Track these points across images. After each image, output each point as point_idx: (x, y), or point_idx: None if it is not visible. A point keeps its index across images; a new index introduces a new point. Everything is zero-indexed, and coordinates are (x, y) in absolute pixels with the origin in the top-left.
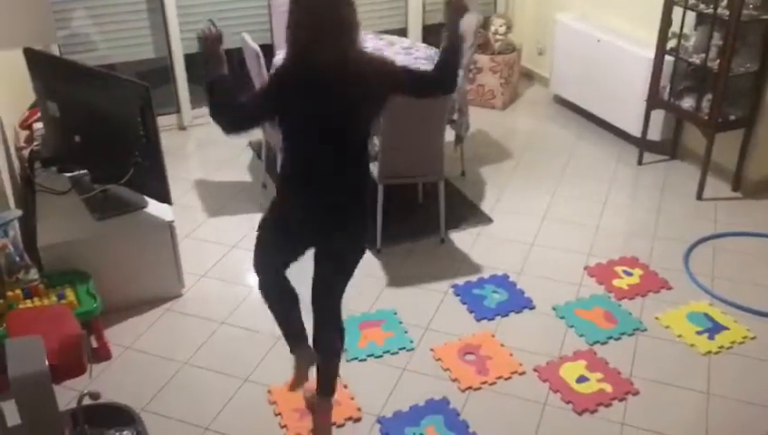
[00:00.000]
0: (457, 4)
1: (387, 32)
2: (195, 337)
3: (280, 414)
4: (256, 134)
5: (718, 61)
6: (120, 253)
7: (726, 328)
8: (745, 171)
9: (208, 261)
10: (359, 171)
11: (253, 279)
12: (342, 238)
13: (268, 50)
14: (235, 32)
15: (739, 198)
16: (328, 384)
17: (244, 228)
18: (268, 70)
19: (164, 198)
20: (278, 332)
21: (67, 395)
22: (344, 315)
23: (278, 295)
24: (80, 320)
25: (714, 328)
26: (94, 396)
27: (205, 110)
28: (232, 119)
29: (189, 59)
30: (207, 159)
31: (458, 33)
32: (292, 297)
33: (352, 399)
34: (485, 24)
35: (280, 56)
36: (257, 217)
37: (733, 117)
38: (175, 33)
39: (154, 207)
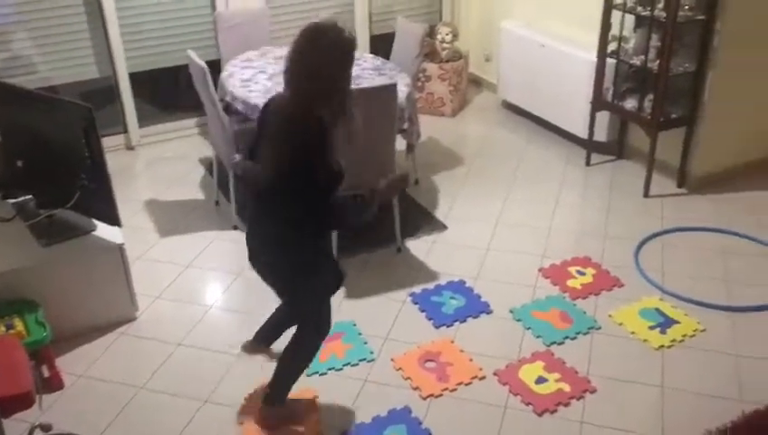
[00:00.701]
0: (397, 185)
1: None
2: (151, 360)
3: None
4: (206, 150)
5: (657, 62)
6: (70, 279)
7: (677, 322)
8: (689, 168)
9: (162, 282)
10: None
11: (209, 297)
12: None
13: (215, 65)
14: (180, 48)
15: (684, 194)
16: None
17: (198, 247)
18: (215, 85)
19: (113, 220)
20: (236, 351)
21: (18, 428)
22: None
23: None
24: (30, 350)
25: (665, 323)
26: (45, 428)
27: (154, 128)
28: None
29: (135, 78)
30: (157, 178)
31: (377, 200)
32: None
33: (316, 412)
34: (432, 33)
35: (228, 71)
36: (211, 235)
37: (674, 115)
38: (119, 51)
39: (103, 230)
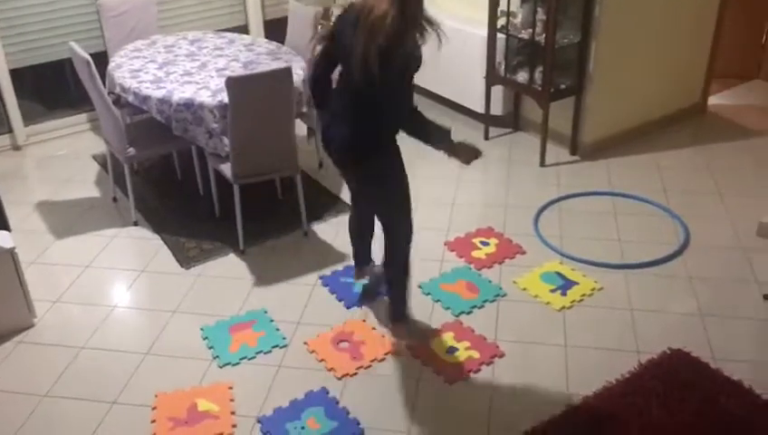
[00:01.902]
0: (468, 153)
1: (228, 30)
2: (54, 367)
3: (155, 421)
4: (100, 147)
5: (544, 35)
6: None
7: (576, 283)
8: (580, 136)
9: (61, 285)
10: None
11: (112, 297)
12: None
13: (102, 57)
14: (63, 41)
15: (577, 161)
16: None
17: (98, 246)
18: (102, 78)
19: (1, 224)
20: (146, 347)
21: None
22: (212, 321)
23: None
24: None
25: (565, 285)
26: None
27: (42, 126)
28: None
29: (16, 74)
30: (49, 177)
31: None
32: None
33: (232, 401)
34: (326, 15)
35: (116, 62)
36: (110, 233)
37: (563, 86)
38: None
39: None
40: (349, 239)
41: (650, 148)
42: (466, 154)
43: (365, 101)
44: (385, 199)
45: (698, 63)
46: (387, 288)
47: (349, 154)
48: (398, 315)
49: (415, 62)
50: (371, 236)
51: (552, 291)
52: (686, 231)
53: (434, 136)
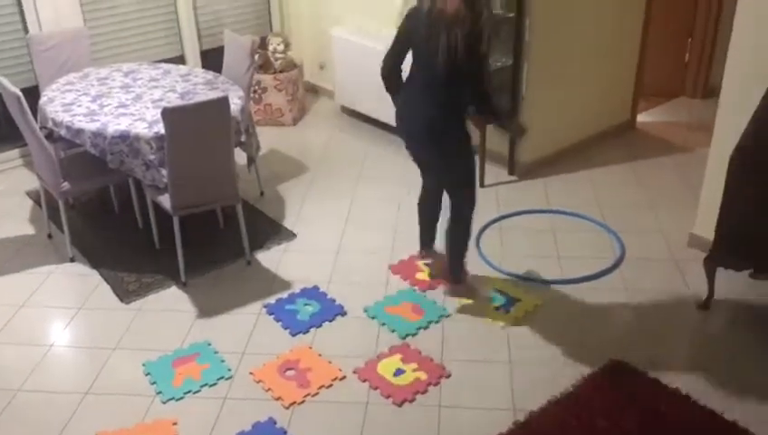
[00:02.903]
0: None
1: (164, 61)
2: None
3: None
4: (34, 182)
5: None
6: None
7: (519, 300)
8: (517, 156)
9: None
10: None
11: (50, 335)
12: None
13: (34, 92)
14: None
15: (515, 181)
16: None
17: (33, 284)
18: (33, 113)
19: None
20: (85, 386)
21: None
22: (154, 356)
23: None
24: None
25: (508, 302)
26: None
27: None
28: None
29: None
30: None
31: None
32: None
33: None
34: (263, 44)
35: (48, 96)
36: (46, 270)
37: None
38: None
39: None
40: (417, 223)
41: (584, 165)
42: (520, 130)
43: (442, 84)
44: (458, 170)
45: (626, 82)
46: (449, 252)
47: (430, 133)
48: (456, 277)
49: (486, 46)
50: (438, 219)
51: (496, 309)
52: (622, 245)
53: (499, 113)
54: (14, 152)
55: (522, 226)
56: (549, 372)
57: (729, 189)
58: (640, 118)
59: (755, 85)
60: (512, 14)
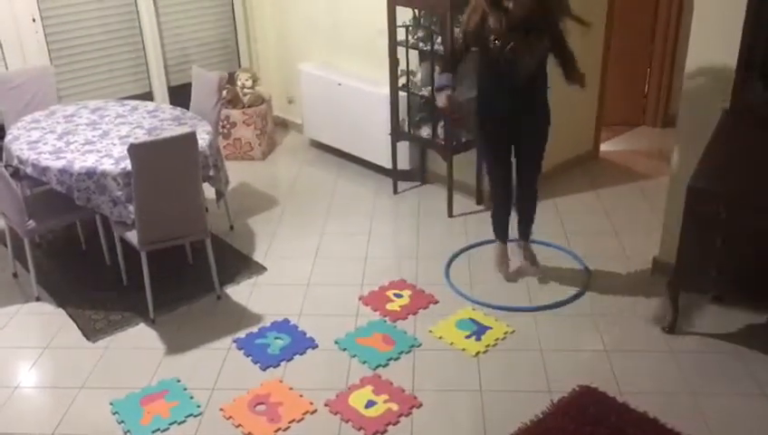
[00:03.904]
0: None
1: (131, 97)
2: None
3: None
4: None
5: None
6: None
7: (490, 328)
8: (483, 186)
9: None
10: None
11: (15, 377)
12: None
13: None
14: None
15: (483, 210)
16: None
17: None
18: None
19: None
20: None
21: None
22: (122, 395)
23: None
24: None
25: (479, 330)
26: None
27: None
28: None
29: None
30: None
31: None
32: None
33: None
34: (231, 80)
35: (13, 135)
36: (11, 310)
37: (465, 139)
38: None
39: None
40: (495, 223)
41: (550, 193)
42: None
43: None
44: (545, 134)
45: (588, 112)
46: (529, 217)
47: (527, 107)
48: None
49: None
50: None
51: (467, 337)
52: (588, 271)
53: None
54: None
55: (490, 255)
56: (519, 400)
57: (688, 217)
58: (603, 147)
59: (709, 115)
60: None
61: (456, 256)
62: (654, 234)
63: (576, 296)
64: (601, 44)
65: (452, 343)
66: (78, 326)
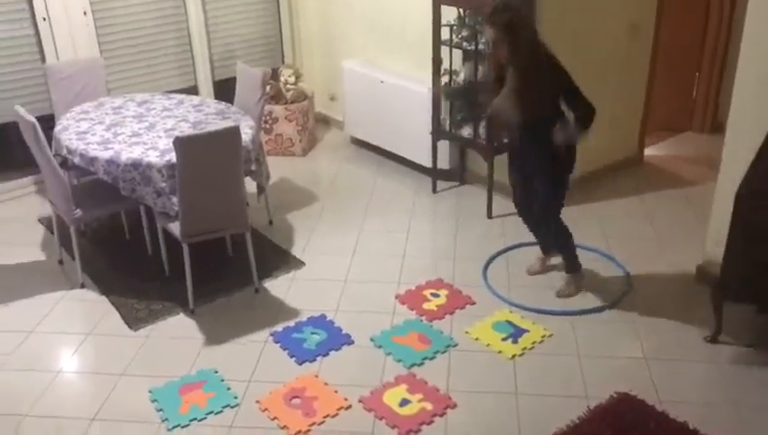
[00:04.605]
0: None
1: (177, 91)
2: None
3: None
4: (46, 209)
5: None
6: None
7: (527, 331)
8: None
9: (3, 351)
10: None
11: (58, 362)
12: None
13: (50, 120)
14: (8, 105)
15: None
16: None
17: (42, 310)
18: (48, 141)
19: None
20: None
21: None
22: (161, 383)
23: None
24: None
25: (516, 333)
26: None
27: None
28: None
29: None
30: None
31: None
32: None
33: None
34: (275, 76)
35: (62, 125)
36: (56, 296)
37: (506, 140)
38: None
39: None
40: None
41: (592, 197)
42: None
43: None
44: (545, 182)
45: (634, 117)
46: (559, 247)
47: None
48: (575, 267)
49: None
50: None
51: (504, 339)
52: (628, 277)
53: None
54: (28, 179)
55: (529, 257)
56: (555, 404)
57: (735, 225)
58: (648, 152)
59: (761, 122)
60: None
61: (494, 257)
62: (698, 241)
63: (616, 302)
64: (650, 46)
65: (488, 345)
66: (120, 314)
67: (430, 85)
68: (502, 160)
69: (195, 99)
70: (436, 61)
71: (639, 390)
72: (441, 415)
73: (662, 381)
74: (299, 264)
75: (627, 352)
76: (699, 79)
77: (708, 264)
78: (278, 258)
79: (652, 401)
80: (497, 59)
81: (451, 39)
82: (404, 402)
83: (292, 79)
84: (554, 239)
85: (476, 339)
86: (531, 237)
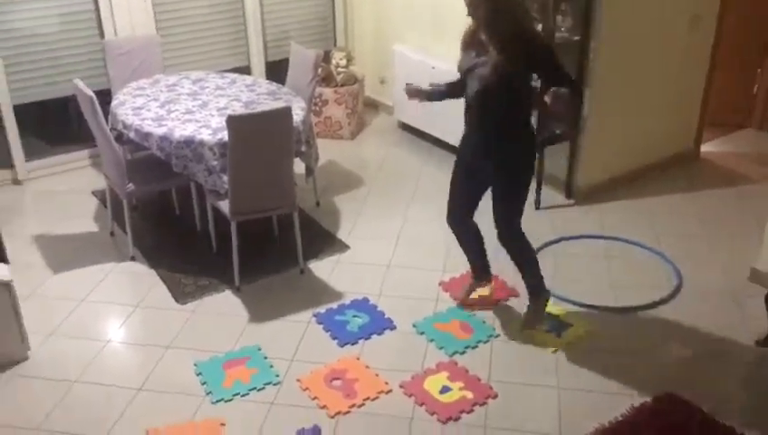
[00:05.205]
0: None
1: (230, 70)
2: (46, 400)
3: None
4: (100, 182)
5: (539, 81)
6: None
7: (570, 325)
8: (574, 180)
9: (55, 318)
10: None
11: (106, 331)
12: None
13: (106, 95)
14: (67, 78)
15: (572, 205)
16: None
17: (93, 280)
18: (105, 116)
19: None
20: (138, 382)
21: None
22: (206, 357)
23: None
24: None
25: (559, 326)
26: None
27: (43, 162)
28: None
29: (20, 110)
30: (47, 212)
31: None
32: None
33: None
34: (326, 58)
35: (119, 100)
36: (107, 268)
37: (558, 131)
38: (1, 83)
39: None
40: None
41: (644, 193)
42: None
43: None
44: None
45: (691, 111)
46: (521, 269)
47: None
48: (540, 289)
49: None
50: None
51: (547, 332)
52: (679, 276)
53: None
54: (83, 153)
55: (576, 250)
56: (597, 400)
57: None
58: (704, 148)
59: None
60: (576, 38)
61: (540, 249)
62: (753, 242)
63: (664, 300)
64: (711, 38)
65: (531, 337)
66: (168, 288)
67: None
68: (552, 151)
69: (247, 78)
70: None
71: (686, 390)
72: (482, 404)
73: (709, 383)
74: (344, 247)
75: (674, 351)
76: (762, 73)
77: (764, 265)
78: (324, 240)
79: (698, 403)
80: (474, 28)
81: None
82: (444, 390)
83: (344, 62)
84: (521, 258)
85: (519, 331)
86: (583, 229)
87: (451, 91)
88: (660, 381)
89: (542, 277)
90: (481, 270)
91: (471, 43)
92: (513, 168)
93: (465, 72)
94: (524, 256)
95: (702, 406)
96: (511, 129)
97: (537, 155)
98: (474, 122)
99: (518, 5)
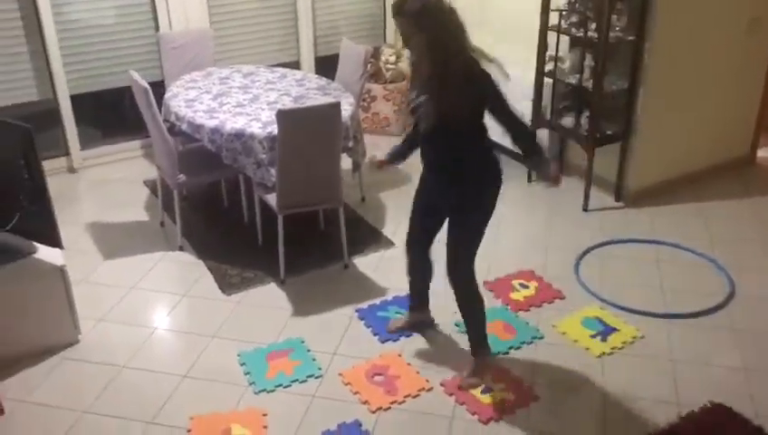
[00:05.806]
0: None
1: (280, 65)
2: (94, 384)
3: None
4: (152, 172)
5: (592, 80)
6: (9, 302)
7: (617, 330)
8: (625, 182)
9: (106, 304)
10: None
11: (154, 319)
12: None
13: (159, 86)
14: (122, 70)
15: (621, 208)
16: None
17: (143, 268)
18: (159, 106)
19: (54, 242)
20: (184, 369)
21: None
22: (250, 348)
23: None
24: None
25: (606, 331)
26: None
27: (97, 150)
28: None
29: (76, 100)
30: (100, 200)
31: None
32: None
33: (265, 428)
34: (376, 54)
35: (172, 92)
36: (156, 257)
37: (609, 132)
38: (59, 74)
39: (44, 252)
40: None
41: (696, 197)
42: (554, 178)
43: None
44: (465, 225)
45: (747, 115)
46: (466, 320)
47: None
48: (483, 346)
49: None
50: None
51: (592, 336)
52: (732, 283)
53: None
54: (136, 143)
55: (624, 254)
56: (644, 407)
57: None
58: (761, 153)
59: None
60: (631, 38)
61: (587, 251)
62: None
63: (716, 308)
64: None
65: (576, 341)
66: (214, 278)
67: (532, 71)
68: (602, 152)
69: (297, 73)
70: (542, 46)
71: (735, 401)
72: (523, 407)
73: (761, 395)
74: (389, 243)
75: (724, 360)
76: None
77: None
78: (368, 236)
79: (748, 415)
80: (413, 59)
81: (559, 24)
82: (486, 390)
83: (393, 59)
84: (464, 306)
85: (564, 333)
86: (631, 232)
87: (411, 143)
88: (709, 390)
89: (485, 335)
90: (414, 302)
91: (413, 78)
92: (464, 210)
93: (413, 111)
94: (468, 305)
95: (752, 419)
96: (463, 170)
97: (499, 190)
98: (426, 163)
99: (459, 30)
